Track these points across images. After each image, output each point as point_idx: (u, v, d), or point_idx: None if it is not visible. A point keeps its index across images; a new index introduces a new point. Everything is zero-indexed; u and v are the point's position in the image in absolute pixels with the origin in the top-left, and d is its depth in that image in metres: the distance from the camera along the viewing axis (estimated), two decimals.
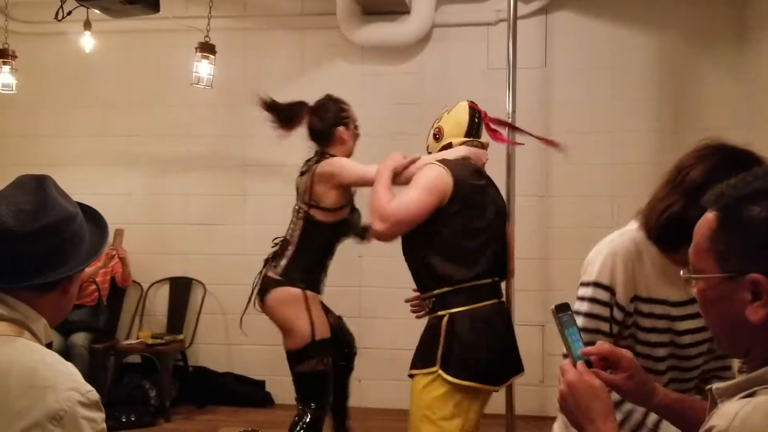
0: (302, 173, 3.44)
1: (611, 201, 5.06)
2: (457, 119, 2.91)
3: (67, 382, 1.32)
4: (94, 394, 1.34)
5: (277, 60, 5.47)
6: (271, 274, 3.28)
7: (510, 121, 3.91)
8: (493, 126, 3.00)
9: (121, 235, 5.11)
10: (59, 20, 4.38)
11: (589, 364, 1.31)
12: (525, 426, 4.52)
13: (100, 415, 1.34)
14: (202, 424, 4.99)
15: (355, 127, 3.48)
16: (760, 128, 4.63)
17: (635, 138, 5.04)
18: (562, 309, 1.35)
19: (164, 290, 5.58)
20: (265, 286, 3.29)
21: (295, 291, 3.21)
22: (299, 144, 5.42)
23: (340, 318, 3.62)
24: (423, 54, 5.29)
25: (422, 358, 2.53)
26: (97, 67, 5.50)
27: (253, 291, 3.41)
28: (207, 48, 4.67)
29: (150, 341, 5.14)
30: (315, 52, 5.43)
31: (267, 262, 3.38)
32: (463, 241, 2.55)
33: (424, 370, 2.49)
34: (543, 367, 5.04)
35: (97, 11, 4.51)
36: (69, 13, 4.53)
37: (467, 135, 2.84)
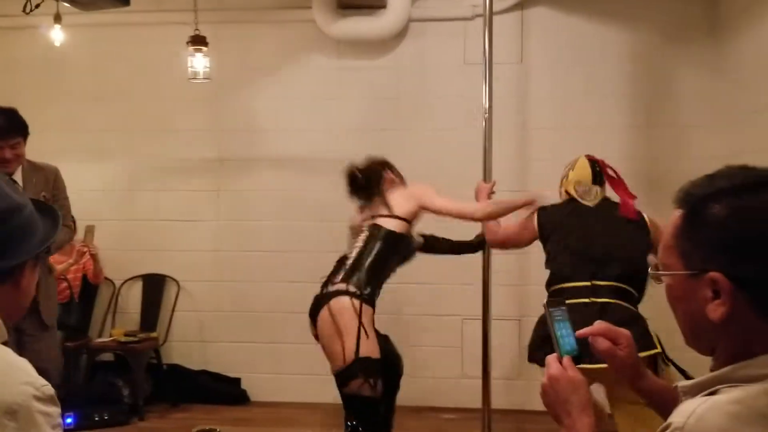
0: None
1: None
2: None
3: (21, 376, 1.30)
4: (48, 389, 1.32)
5: (252, 54, 5.42)
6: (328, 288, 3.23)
7: (486, 116, 3.93)
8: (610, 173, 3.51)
9: (92, 232, 5.03)
10: (27, 13, 4.30)
11: (577, 359, 1.33)
12: (502, 420, 4.54)
13: (55, 410, 1.32)
14: (177, 422, 4.94)
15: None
16: (733, 124, 4.68)
17: (610, 133, 5.06)
18: (554, 304, 1.38)
19: (137, 287, 5.51)
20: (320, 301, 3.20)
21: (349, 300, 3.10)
22: (271, 139, 5.41)
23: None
24: (399, 48, 5.28)
25: None
26: (68, 61, 5.41)
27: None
28: (199, 40, 4.61)
29: (123, 339, 5.08)
30: (291, 46, 5.39)
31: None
32: None
33: None
34: (520, 362, 5.05)
35: (66, 4, 4.44)
36: (37, 6, 4.46)
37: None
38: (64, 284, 5.06)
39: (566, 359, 1.32)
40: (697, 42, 5.00)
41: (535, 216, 3.41)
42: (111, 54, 5.52)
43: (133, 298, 5.52)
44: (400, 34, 5.24)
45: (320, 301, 3.15)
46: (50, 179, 3.88)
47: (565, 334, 1.35)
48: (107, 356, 5.30)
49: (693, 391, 1.10)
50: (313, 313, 3.17)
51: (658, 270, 1.19)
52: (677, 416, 1.04)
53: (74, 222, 4.29)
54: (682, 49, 5.02)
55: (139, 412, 4.95)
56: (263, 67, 5.41)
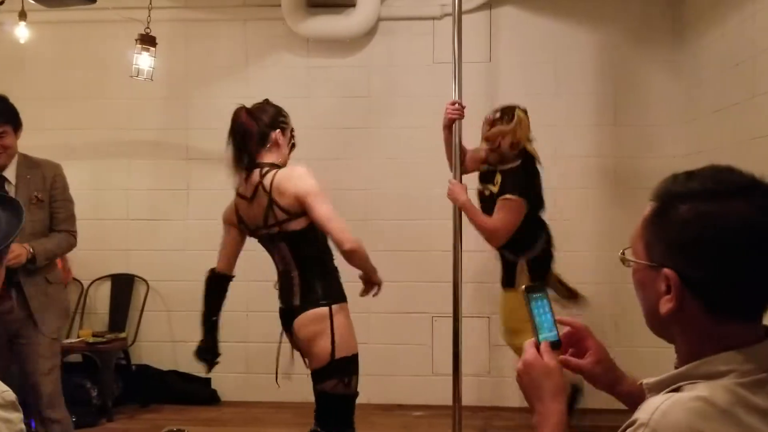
0: (247, 198, 3.04)
1: (554, 193, 5.14)
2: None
3: None
4: (10, 395, 1.30)
5: (220, 52, 5.39)
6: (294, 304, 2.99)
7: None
8: None
9: None
10: None
11: (557, 345, 1.34)
12: (472, 417, 4.58)
13: (17, 416, 1.30)
14: (146, 423, 4.90)
15: (293, 135, 3.18)
16: (695, 123, 4.77)
17: (577, 131, 5.14)
18: (533, 289, 1.36)
19: (105, 287, 5.46)
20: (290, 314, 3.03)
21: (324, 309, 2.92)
22: None
23: None
24: (369, 47, 5.29)
25: None
26: (34, 58, 5.33)
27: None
28: (147, 40, 4.58)
29: (91, 340, 5.03)
30: (259, 44, 5.37)
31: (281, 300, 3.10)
32: None
33: None
34: (489, 358, 5.10)
35: (32, 1, 4.38)
36: (2, 2, 4.39)
37: None
38: None
39: (544, 344, 1.32)
40: (661, 42, 5.08)
41: (522, 200, 3.69)
42: (76, 51, 5.46)
43: (101, 298, 5.47)
44: (370, 33, 5.25)
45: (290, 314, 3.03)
46: (48, 177, 3.55)
47: (544, 320, 1.34)
48: (75, 357, 5.23)
49: (657, 388, 1.12)
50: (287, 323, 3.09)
51: (624, 253, 1.22)
52: (642, 413, 1.07)
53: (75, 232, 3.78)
54: (647, 49, 5.10)
55: (108, 414, 4.90)
56: (232, 65, 5.39)
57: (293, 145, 3.16)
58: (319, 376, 2.93)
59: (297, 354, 3.24)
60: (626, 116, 5.12)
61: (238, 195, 3.09)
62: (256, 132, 3.00)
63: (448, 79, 4.04)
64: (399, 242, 5.12)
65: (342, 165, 5.27)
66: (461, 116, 3.74)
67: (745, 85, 3.94)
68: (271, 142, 3.00)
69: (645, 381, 1.16)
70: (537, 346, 1.33)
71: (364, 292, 3.11)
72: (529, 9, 5.19)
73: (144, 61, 4.60)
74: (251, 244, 5.30)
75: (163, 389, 5.27)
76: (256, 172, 2.95)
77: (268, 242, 3.06)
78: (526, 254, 3.90)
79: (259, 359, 5.33)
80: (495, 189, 3.82)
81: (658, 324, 1.17)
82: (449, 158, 3.87)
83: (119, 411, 5.04)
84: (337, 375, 2.91)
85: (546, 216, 4.10)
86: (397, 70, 5.26)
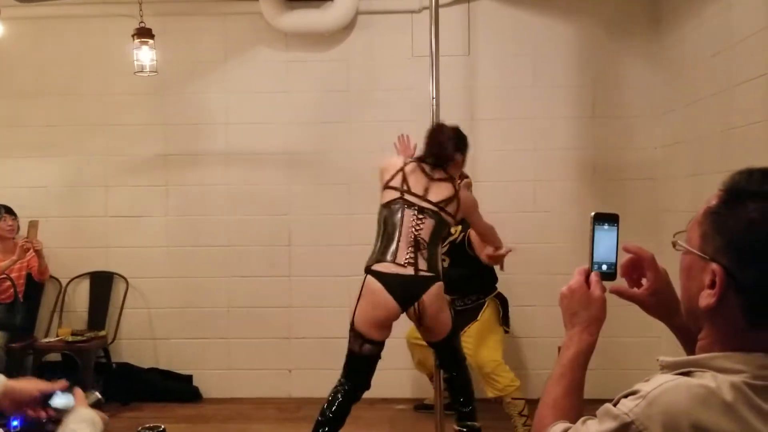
0: (431, 176, 3.56)
1: (533, 185, 5.17)
2: None
3: None
4: None
5: (198, 47, 5.35)
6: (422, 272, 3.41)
7: (433, 108, 3.98)
8: None
9: (35, 227, 4.90)
10: None
11: (611, 276, 1.34)
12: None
13: None
14: (128, 421, 4.86)
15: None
16: (674, 114, 4.80)
17: (556, 123, 5.15)
18: (602, 218, 1.35)
19: (84, 285, 5.40)
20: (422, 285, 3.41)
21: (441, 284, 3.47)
22: (220, 133, 5.35)
23: None
24: (348, 41, 5.27)
25: None
26: (10, 54, 5.26)
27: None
28: (144, 33, 4.51)
29: (70, 338, 4.98)
30: (238, 39, 5.33)
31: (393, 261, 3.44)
32: None
33: None
34: None
35: None
36: None
37: None
38: (8, 284, 4.94)
39: (594, 274, 1.33)
40: (639, 35, 5.11)
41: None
42: (54, 47, 5.39)
43: (80, 296, 5.42)
44: (348, 27, 5.23)
45: (418, 284, 3.40)
46: None
47: (603, 249, 1.34)
48: (54, 356, 5.18)
49: (671, 367, 1.12)
50: (412, 296, 3.40)
51: (678, 238, 1.20)
52: (646, 384, 1.07)
53: None
54: (625, 41, 5.13)
55: None
56: (210, 60, 5.35)
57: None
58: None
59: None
60: (605, 108, 5.14)
61: (419, 164, 3.61)
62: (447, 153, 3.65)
63: (427, 72, 4.04)
64: None
65: (321, 159, 5.25)
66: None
67: (723, 76, 3.97)
68: (458, 161, 3.66)
69: (661, 358, 1.16)
70: (588, 273, 1.33)
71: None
72: (506, 2, 5.19)
73: (145, 55, 4.54)
74: (231, 239, 5.29)
75: (144, 387, 5.23)
76: (444, 172, 3.60)
77: (418, 211, 3.52)
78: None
79: (241, 356, 5.31)
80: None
81: (692, 313, 1.16)
82: None
83: (100, 409, 4.99)
84: None
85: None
86: (376, 64, 5.24)
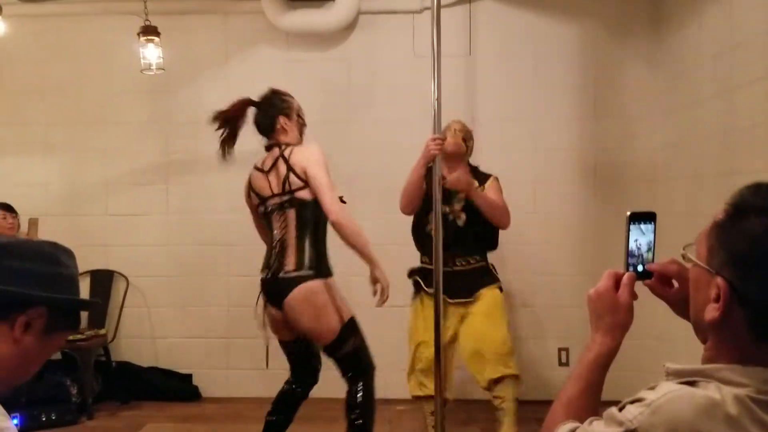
0: (264, 170, 3.43)
1: (534, 186, 5.17)
2: None
3: None
4: None
5: (199, 45, 5.35)
6: (283, 274, 3.26)
7: (435, 108, 3.97)
8: None
9: (35, 225, 4.91)
10: None
11: (646, 275, 1.34)
12: (454, 410, 4.59)
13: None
14: (127, 420, 4.87)
15: (299, 117, 3.63)
16: (674, 115, 4.80)
17: (557, 124, 5.15)
18: (638, 217, 1.35)
19: (85, 284, 5.40)
20: (283, 287, 3.27)
21: (317, 283, 3.25)
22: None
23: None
24: (349, 41, 5.27)
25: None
26: (12, 52, 5.26)
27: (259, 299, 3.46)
28: (150, 30, 4.51)
29: (70, 337, 4.98)
30: (239, 38, 5.33)
31: (268, 268, 3.37)
32: None
33: None
34: None
35: None
36: None
37: None
38: None
39: (627, 275, 1.32)
40: (640, 35, 5.11)
41: None
42: (55, 45, 5.40)
43: (80, 294, 5.40)
44: (350, 27, 5.23)
45: (282, 286, 3.26)
46: None
47: (638, 249, 1.34)
48: (54, 355, 5.17)
49: (676, 375, 1.13)
50: (277, 298, 3.30)
51: (687, 250, 1.21)
52: (651, 393, 1.08)
53: None
54: (626, 42, 5.13)
55: (88, 411, 4.86)
56: (211, 59, 5.35)
57: (303, 125, 3.65)
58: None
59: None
60: (605, 109, 5.14)
61: (256, 168, 3.50)
62: (261, 121, 3.55)
63: (429, 73, 4.04)
64: (380, 236, 5.10)
65: None
66: (441, 151, 3.73)
67: (724, 78, 3.97)
68: (279, 125, 3.48)
69: (668, 365, 1.16)
70: (617, 278, 1.32)
71: (374, 294, 3.35)
72: (508, 2, 5.20)
73: (151, 53, 4.54)
74: (232, 238, 5.29)
75: (143, 386, 5.24)
76: (276, 149, 3.41)
77: (277, 209, 3.36)
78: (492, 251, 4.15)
79: (241, 355, 5.31)
80: (459, 207, 3.99)
81: (699, 324, 1.17)
82: (410, 196, 3.94)
83: (99, 408, 5.01)
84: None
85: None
86: (377, 64, 5.25)
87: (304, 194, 3.28)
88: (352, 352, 3.33)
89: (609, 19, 5.13)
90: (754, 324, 1.08)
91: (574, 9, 5.15)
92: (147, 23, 4.49)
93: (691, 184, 4.44)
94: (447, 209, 3.94)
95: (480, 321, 3.90)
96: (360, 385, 3.34)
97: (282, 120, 3.49)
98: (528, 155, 5.18)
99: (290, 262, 3.25)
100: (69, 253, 1.49)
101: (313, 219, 3.31)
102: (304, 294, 3.22)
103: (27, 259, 1.38)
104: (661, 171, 4.98)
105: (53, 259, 1.43)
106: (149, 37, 4.51)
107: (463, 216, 3.99)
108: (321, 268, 3.29)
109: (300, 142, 3.54)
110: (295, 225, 3.28)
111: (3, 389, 1.35)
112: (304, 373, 3.59)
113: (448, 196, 3.95)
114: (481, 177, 4.08)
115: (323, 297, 3.25)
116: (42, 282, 1.39)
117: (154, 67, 4.57)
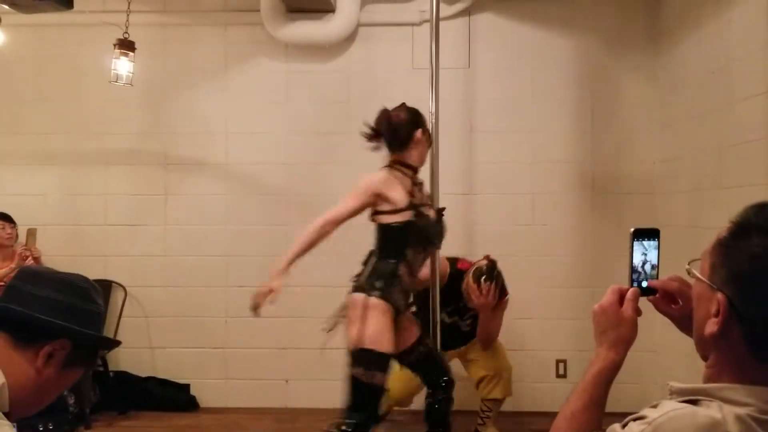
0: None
1: (531, 199, 5.19)
2: None
3: None
4: None
5: (199, 56, 5.37)
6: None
7: (433, 120, 3.99)
8: None
9: (33, 235, 4.92)
10: None
11: (650, 291, 1.36)
12: (460, 420, 4.57)
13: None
14: (125, 430, 4.86)
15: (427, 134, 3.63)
16: (672, 129, 4.82)
17: (555, 137, 5.17)
18: (641, 234, 1.37)
19: None
20: None
21: (359, 296, 3.36)
22: (219, 143, 5.37)
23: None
24: (348, 53, 5.30)
25: None
26: (10, 62, 5.28)
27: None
28: (126, 45, 4.54)
29: None
30: (238, 49, 5.35)
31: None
32: None
33: None
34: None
35: (6, 6, 4.35)
36: None
37: None
38: None
39: (631, 291, 1.34)
40: (638, 49, 5.14)
41: None
42: (54, 55, 5.42)
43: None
44: (349, 39, 5.25)
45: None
46: None
47: (642, 265, 1.35)
48: None
49: (679, 394, 1.14)
50: None
51: (692, 266, 1.22)
52: (653, 411, 1.09)
53: None
54: (624, 55, 5.16)
55: (85, 421, 4.85)
56: (211, 70, 5.37)
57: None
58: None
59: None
60: (603, 122, 5.16)
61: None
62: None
63: (427, 85, 4.07)
64: None
65: (321, 170, 5.26)
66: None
67: (721, 92, 3.99)
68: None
69: (671, 383, 1.18)
70: (621, 293, 1.34)
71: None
72: (507, 16, 5.23)
73: (123, 66, 4.57)
74: (230, 249, 5.29)
75: (141, 396, 5.22)
76: None
77: None
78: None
79: (238, 365, 5.31)
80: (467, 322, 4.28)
81: (700, 339, 1.18)
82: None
83: (97, 419, 4.99)
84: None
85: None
86: (377, 76, 5.27)
87: (375, 217, 3.49)
88: (353, 379, 3.25)
89: (607, 33, 5.16)
90: (751, 342, 1.10)
91: (572, 23, 5.18)
92: (125, 36, 4.52)
93: (689, 197, 4.46)
94: (456, 320, 4.26)
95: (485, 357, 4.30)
96: (345, 420, 3.25)
97: (419, 132, 3.57)
98: (526, 168, 5.20)
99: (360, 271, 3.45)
100: (99, 291, 1.51)
101: (383, 240, 3.46)
102: (348, 301, 3.38)
103: (60, 291, 1.40)
104: (658, 184, 5.00)
105: (85, 295, 1.45)
106: (124, 51, 4.53)
107: (469, 324, 4.29)
108: (373, 286, 3.33)
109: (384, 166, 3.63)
110: (374, 241, 3.49)
111: (17, 416, 1.37)
112: (434, 373, 3.63)
113: (459, 310, 4.25)
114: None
115: (356, 312, 3.29)
116: (71, 315, 1.40)
117: (123, 80, 4.59)
